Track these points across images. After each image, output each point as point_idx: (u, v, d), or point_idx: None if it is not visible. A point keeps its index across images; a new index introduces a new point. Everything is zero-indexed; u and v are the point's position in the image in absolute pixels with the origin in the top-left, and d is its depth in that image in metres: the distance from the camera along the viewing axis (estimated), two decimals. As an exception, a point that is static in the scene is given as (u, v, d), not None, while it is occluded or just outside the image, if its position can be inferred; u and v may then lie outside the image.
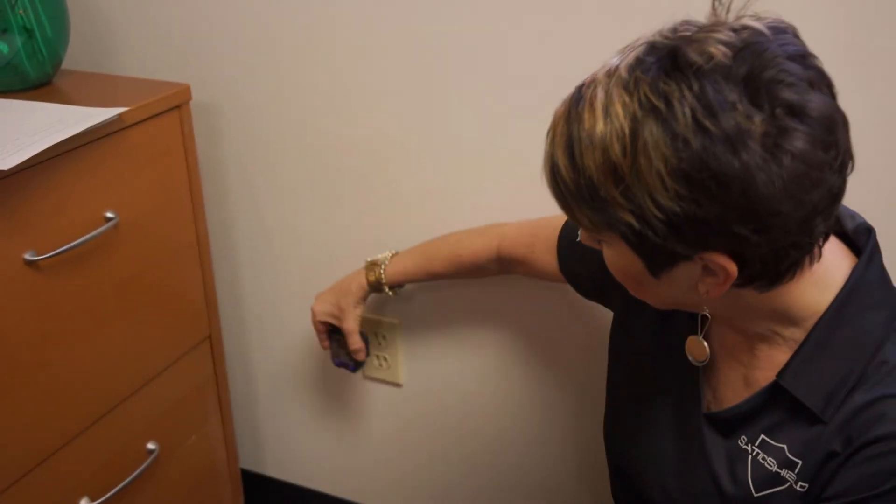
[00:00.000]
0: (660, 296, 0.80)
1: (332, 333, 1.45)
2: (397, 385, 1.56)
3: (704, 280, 0.74)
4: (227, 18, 1.39)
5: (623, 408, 0.99)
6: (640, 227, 0.69)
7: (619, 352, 1.02)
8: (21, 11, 1.21)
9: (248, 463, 1.80)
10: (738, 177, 0.65)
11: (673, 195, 0.67)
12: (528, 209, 1.30)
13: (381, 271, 1.31)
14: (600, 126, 0.68)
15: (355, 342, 1.35)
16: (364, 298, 1.35)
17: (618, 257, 0.77)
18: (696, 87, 0.65)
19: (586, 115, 0.69)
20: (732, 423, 0.84)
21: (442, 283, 1.43)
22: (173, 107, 1.27)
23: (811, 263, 0.75)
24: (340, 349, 1.43)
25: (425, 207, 1.38)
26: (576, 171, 0.71)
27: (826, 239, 0.75)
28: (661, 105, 0.66)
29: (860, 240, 0.82)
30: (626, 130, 0.67)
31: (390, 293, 1.34)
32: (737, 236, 0.68)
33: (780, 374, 0.79)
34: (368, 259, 1.34)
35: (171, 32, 1.44)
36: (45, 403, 1.15)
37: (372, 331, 1.51)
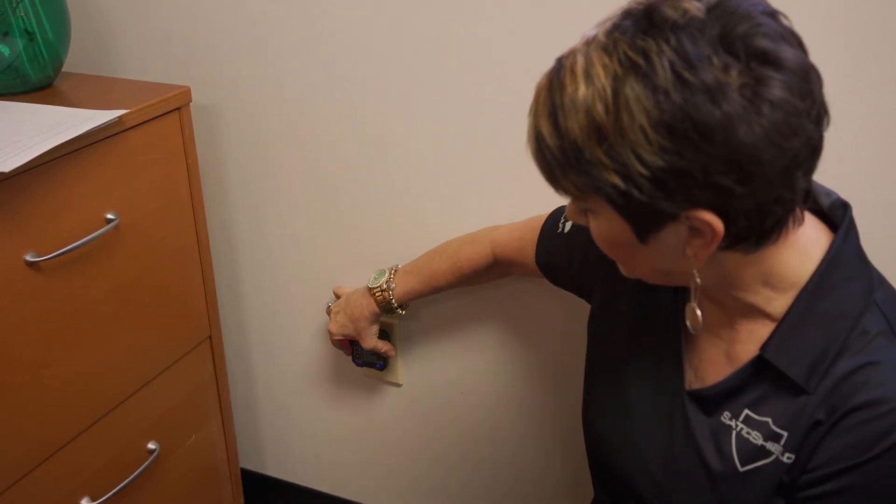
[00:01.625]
0: (649, 264, 0.80)
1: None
2: (397, 385, 1.57)
3: (691, 242, 0.74)
4: (228, 21, 1.39)
5: (602, 393, 0.98)
6: (626, 187, 0.70)
7: (597, 338, 1.02)
8: (22, 14, 1.21)
9: (249, 463, 1.81)
10: (720, 126, 0.66)
11: (657, 149, 0.68)
12: (529, 208, 1.31)
13: (391, 296, 1.33)
14: (582, 89, 0.70)
15: (381, 348, 1.42)
16: (377, 320, 1.38)
17: (605, 226, 0.78)
18: (672, 41, 0.67)
19: (568, 81, 0.71)
20: (716, 399, 0.85)
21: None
22: (173, 109, 1.28)
23: (794, 225, 0.77)
24: (363, 350, 1.46)
25: (425, 208, 1.39)
26: (560, 137, 0.72)
27: (807, 200, 0.76)
28: (640, 61, 0.67)
29: (836, 215, 0.83)
30: (608, 90, 0.68)
31: (402, 313, 1.36)
32: (721, 188, 0.69)
33: (764, 347, 0.80)
34: (370, 284, 1.35)
35: (172, 35, 1.44)
36: (47, 404, 1.16)
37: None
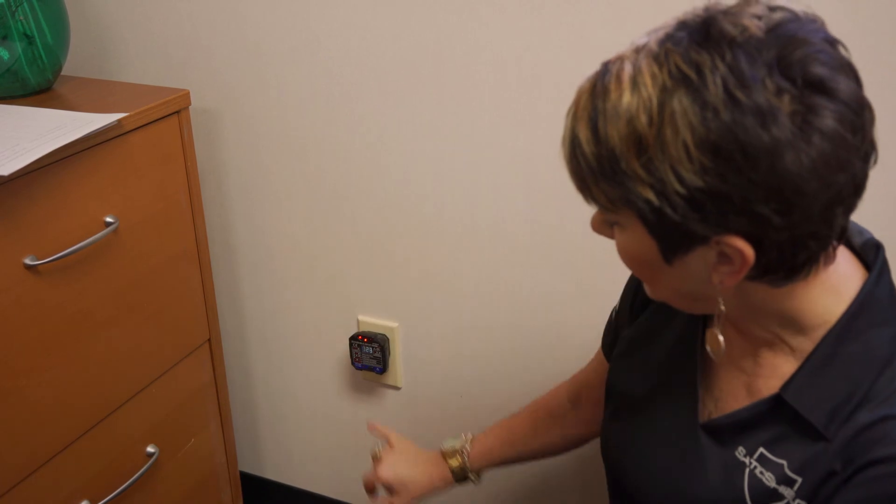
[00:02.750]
0: (673, 286, 0.77)
1: (352, 340, 1.50)
2: (396, 388, 1.57)
3: (719, 268, 0.72)
4: (226, 25, 1.40)
5: (619, 422, 0.97)
6: (660, 204, 0.68)
7: (617, 368, 1.00)
8: (21, 18, 1.21)
9: (248, 466, 1.81)
10: (767, 151, 0.64)
11: (698, 168, 0.65)
12: (532, 211, 1.31)
13: (466, 458, 1.18)
14: (627, 97, 0.67)
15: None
16: (431, 493, 1.21)
17: (631, 241, 0.75)
18: (728, 57, 0.65)
19: (612, 87, 0.68)
20: (731, 430, 0.82)
21: (437, 286, 1.44)
22: (172, 112, 1.28)
23: (826, 263, 0.74)
24: (363, 353, 1.47)
25: (423, 213, 1.39)
26: (598, 144, 0.69)
27: (841, 239, 0.74)
28: (692, 74, 0.65)
29: (868, 255, 0.80)
30: (654, 100, 0.66)
31: (475, 483, 1.21)
32: (758, 217, 0.66)
33: (784, 387, 0.78)
34: (444, 447, 1.20)
35: (171, 39, 1.45)
36: (46, 407, 1.16)
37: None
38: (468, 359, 1.47)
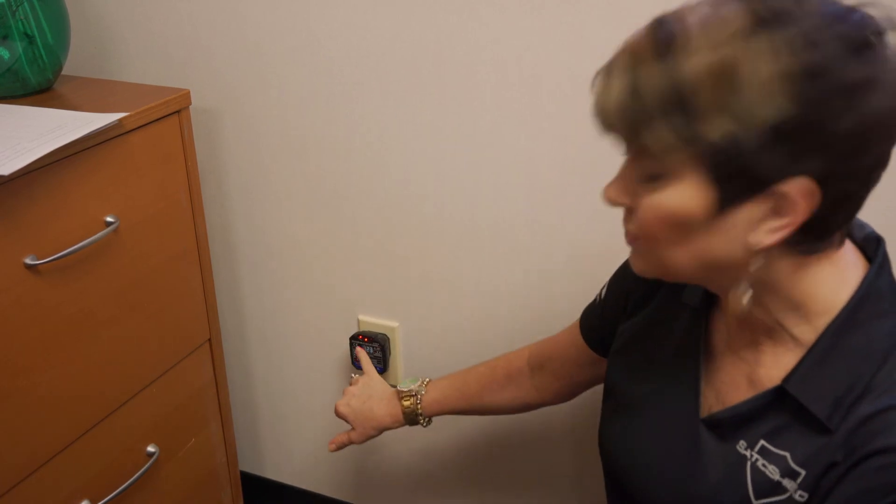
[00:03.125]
0: (698, 253, 0.75)
1: (352, 339, 1.51)
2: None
3: (763, 225, 0.71)
4: (227, 24, 1.40)
5: (618, 419, 0.97)
6: (733, 140, 0.66)
7: (615, 363, 1.00)
8: (22, 17, 1.21)
9: (248, 465, 1.81)
10: (858, 85, 0.65)
11: (788, 97, 0.65)
12: (533, 211, 1.31)
13: (419, 402, 1.23)
14: (714, 25, 0.67)
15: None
16: (384, 429, 1.28)
17: (676, 196, 0.72)
18: None
19: (692, 23, 0.67)
20: (732, 424, 0.82)
21: (437, 286, 1.44)
22: (173, 112, 1.28)
23: (840, 244, 0.76)
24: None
25: (424, 212, 1.39)
26: (670, 78, 0.67)
27: (853, 216, 0.75)
28: (788, 5, 0.66)
29: (870, 248, 0.81)
30: (744, 29, 0.66)
31: (424, 425, 1.26)
32: (833, 156, 0.67)
33: (787, 379, 0.78)
34: (400, 387, 1.26)
35: (171, 38, 1.45)
36: (46, 407, 1.16)
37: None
38: (468, 358, 1.47)
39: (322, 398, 1.66)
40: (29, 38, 1.23)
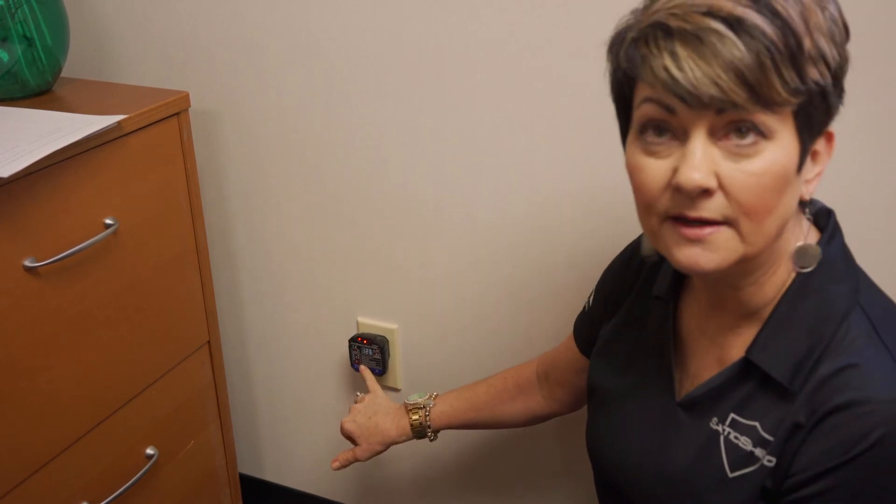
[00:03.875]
0: (785, 212, 0.74)
1: (352, 342, 1.50)
2: (395, 390, 1.57)
3: (808, 174, 0.76)
4: (226, 26, 1.40)
5: (601, 414, 0.99)
6: (821, 87, 0.70)
7: (597, 363, 1.02)
8: (21, 20, 1.22)
9: (247, 468, 1.81)
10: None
11: (834, 44, 0.71)
12: (534, 213, 1.31)
13: (427, 415, 1.24)
14: None
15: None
16: (391, 444, 1.28)
17: (780, 154, 0.70)
18: None
19: None
20: (705, 401, 0.84)
21: (436, 288, 1.44)
22: (172, 114, 1.28)
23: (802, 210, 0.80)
24: (363, 355, 1.48)
25: (423, 214, 1.39)
26: (782, 27, 0.67)
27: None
28: None
29: (821, 221, 0.84)
30: None
31: (432, 439, 1.27)
32: (842, 88, 0.74)
33: (749, 349, 0.80)
34: (408, 400, 1.27)
35: (171, 41, 1.45)
36: (45, 409, 1.16)
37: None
38: (468, 361, 1.47)
39: (321, 400, 1.66)
40: (28, 41, 1.23)
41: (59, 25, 1.28)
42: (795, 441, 0.77)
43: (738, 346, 0.83)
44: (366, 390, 1.38)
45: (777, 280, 0.80)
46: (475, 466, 1.57)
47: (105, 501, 1.26)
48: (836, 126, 0.77)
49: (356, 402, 1.34)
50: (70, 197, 1.14)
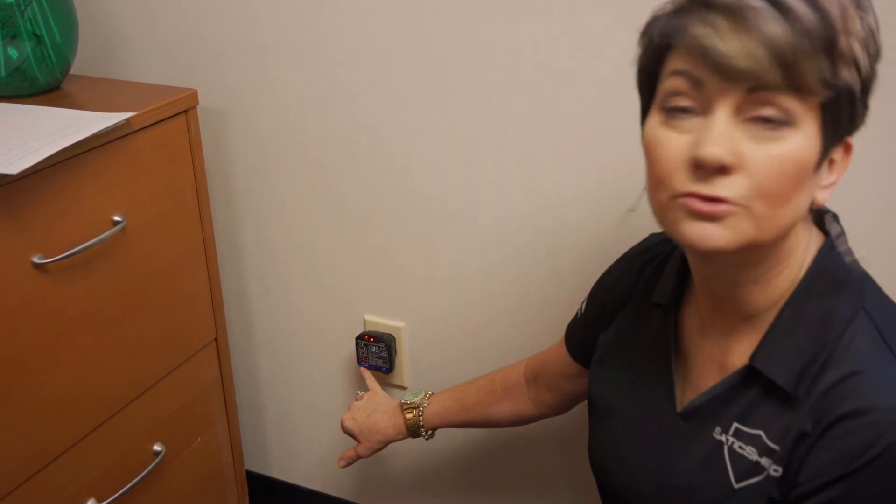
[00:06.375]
0: (799, 207, 0.73)
1: (359, 339, 1.51)
2: (402, 388, 1.57)
3: (824, 180, 0.75)
4: (234, 25, 1.40)
5: (605, 424, 0.98)
6: (850, 89, 0.70)
7: (596, 373, 1.01)
8: (30, 17, 1.22)
9: (254, 465, 1.81)
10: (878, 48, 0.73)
11: (872, 52, 0.71)
12: (538, 212, 1.31)
13: (420, 414, 1.26)
14: None
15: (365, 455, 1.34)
16: (390, 441, 1.31)
17: (802, 144, 0.70)
18: None
19: None
20: (707, 411, 0.83)
21: (444, 287, 1.44)
22: (180, 112, 1.28)
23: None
24: (369, 353, 1.48)
25: (430, 213, 1.39)
26: (821, 19, 0.67)
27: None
28: None
29: (826, 224, 0.83)
30: None
31: (426, 438, 1.29)
32: (867, 103, 0.74)
33: (753, 356, 0.79)
34: (403, 399, 1.29)
35: (179, 38, 1.45)
36: (53, 405, 1.16)
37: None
38: (474, 359, 1.47)
39: (328, 398, 1.66)
40: (37, 38, 1.24)
41: (68, 23, 1.28)
42: (802, 450, 0.76)
43: (739, 351, 0.82)
44: (367, 388, 1.40)
45: (780, 283, 0.79)
46: (479, 464, 1.57)
47: (112, 498, 1.27)
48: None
49: (357, 400, 1.38)
50: (78, 194, 1.14)
